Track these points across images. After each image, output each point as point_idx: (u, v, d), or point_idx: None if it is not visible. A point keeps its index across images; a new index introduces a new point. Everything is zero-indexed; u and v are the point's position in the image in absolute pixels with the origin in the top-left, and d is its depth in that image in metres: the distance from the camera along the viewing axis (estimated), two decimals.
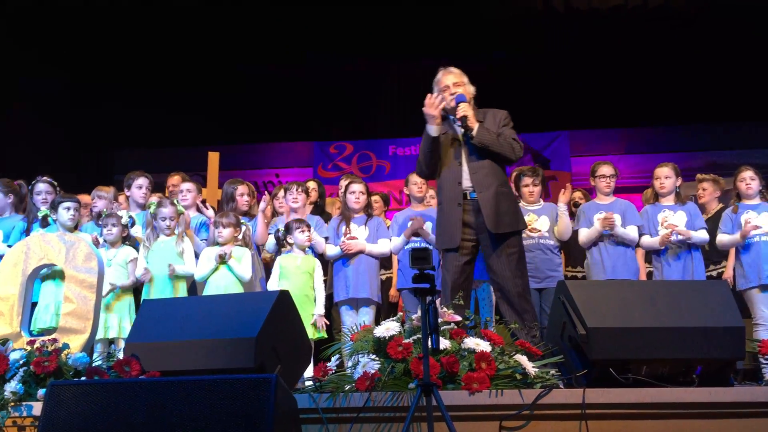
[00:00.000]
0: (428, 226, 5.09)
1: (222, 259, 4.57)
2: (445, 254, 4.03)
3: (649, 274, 5.29)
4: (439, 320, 2.90)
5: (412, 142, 9.85)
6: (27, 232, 4.74)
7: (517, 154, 4.03)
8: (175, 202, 4.89)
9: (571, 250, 5.37)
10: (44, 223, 4.66)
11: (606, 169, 5.16)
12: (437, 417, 2.62)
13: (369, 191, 5.29)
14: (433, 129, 3.96)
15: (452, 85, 4.04)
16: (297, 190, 5.19)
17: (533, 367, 2.97)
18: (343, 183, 5.46)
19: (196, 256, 4.79)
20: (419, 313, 3.24)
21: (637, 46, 8.42)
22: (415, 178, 5.36)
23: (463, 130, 3.97)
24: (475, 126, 3.92)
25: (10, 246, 4.37)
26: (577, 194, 5.93)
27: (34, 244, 3.69)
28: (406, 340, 3.04)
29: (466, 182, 3.96)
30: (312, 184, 5.91)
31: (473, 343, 3.01)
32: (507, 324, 3.49)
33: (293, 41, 8.80)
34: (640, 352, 2.99)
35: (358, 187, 5.12)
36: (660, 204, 5.08)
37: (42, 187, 5.00)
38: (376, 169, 9.85)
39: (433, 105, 3.92)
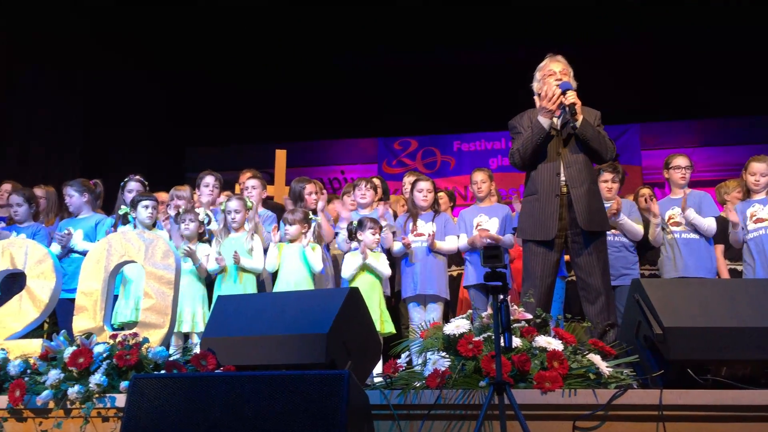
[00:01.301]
0: (494, 222, 5.05)
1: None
2: (534, 248, 3.92)
3: (733, 272, 5.10)
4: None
5: (477, 138, 9.80)
6: (114, 227, 4.93)
7: (611, 154, 3.94)
8: (246, 198, 5.00)
9: (644, 248, 5.24)
10: (124, 220, 4.84)
11: (681, 160, 5.01)
12: (509, 416, 2.60)
13: (436, 188, 5.28)
14: (546, 122, 3.88)
15: (559, 72, 3.97)
16: (365, 186, 5.23)
17: (607, 366, 2.92)
18: (409, 180, 5.46)
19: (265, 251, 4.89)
20: (489, 310, 3.24)
21: (712, 35, 8.13)
22: (476, 177, 5.31)
23: (563, 120, 3.90)
24: (581, 117, 3.84)
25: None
26: (646, 191, 5.76)
27: (116, 241, 3.84)
28: (477, 338, 3.03)
29: (563, 175, 3.88)
30: (376, 181, 5.94)
31: (545, 341, 2.98)
32: (593, 323, 3.44)
33: (359, 38, 8.85)
34: (720, 353, 2.89)
35: (425, 185, 5.12)
36: (751, 199, 4.88)
37: (133, 185, 5.21)
38: (441, 164, 9.84)
39: (552, 99, 3.85)
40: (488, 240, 4.92)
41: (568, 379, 2.84)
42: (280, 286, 4.65)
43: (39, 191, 5.61)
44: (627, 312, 3.31)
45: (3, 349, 3.51)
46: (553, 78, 3.96)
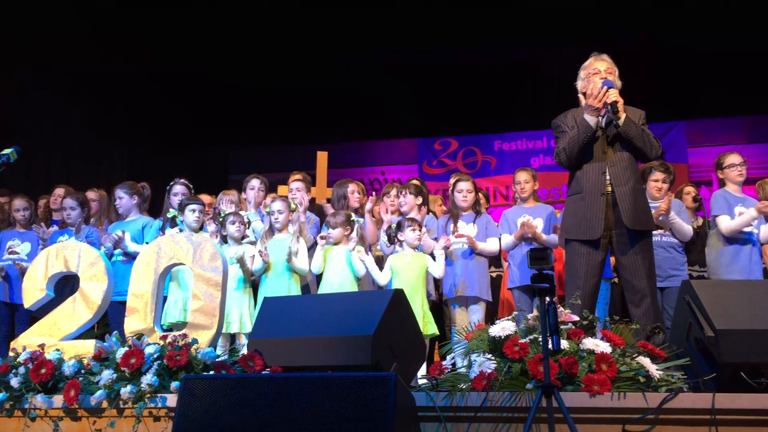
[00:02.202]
0: (539, 222, 5.01)
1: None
2: (578, 248, 3.88)
3: None
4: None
5: (518, 137, 9.73)
6: (162, 230, 5.03)
7: (656, 152, 3.88)
8: (291, 200, 5.04)
9: (692, 249, 5.14)
10: (173, 223, 4.94)
11: (735, 158, 4.94)
12: (558, 419, 2.59)
13: (477, 189, 5.26)
14: (593, 120, 3.86)
15: (604, 71, 3.94)
16: (403, 192, 5.24)
17: (657, 369, 2.87)
18: (452, 181, 5.45)
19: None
20: (534, 312, 3.22)
21: (760, 32, 7.94)
22: (520, 177, 5.28)
23: (607, 118, 3.87)
24: (623, 115, 3.82)
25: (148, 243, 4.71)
26: (690, 188, 5.65)
27: (165, 244, 3.92)
28: (522, 340, 3.02)
29: (608, 173, 3.84)
30: (415, 183, 5.93)
31: (592, 344, 2.95)
32: (643, 324, 3.39)
33: (401, 37, 8.87)
34: None
35: (465, 185, 5.11)
36: None
37: (179, 188, 5.30)
38: (482, 164, 9.79)
39: (597, 97, 3.82)
40: (530, 234, 4.90)
41: (617, 382, 2.81)
42: (324, 288, 4.69)
43: (91, 194, 5.75)
44: (677, 314, 3.25)
45: (58, 350, 3.61)
46: (597, 77, 3.94)
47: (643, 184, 4.04)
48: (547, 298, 2.61)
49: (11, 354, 3.71)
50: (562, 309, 3.14)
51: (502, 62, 9.24)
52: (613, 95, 3.80)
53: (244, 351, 3.46)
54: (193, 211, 4.84)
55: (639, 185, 3.91)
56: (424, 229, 4.93)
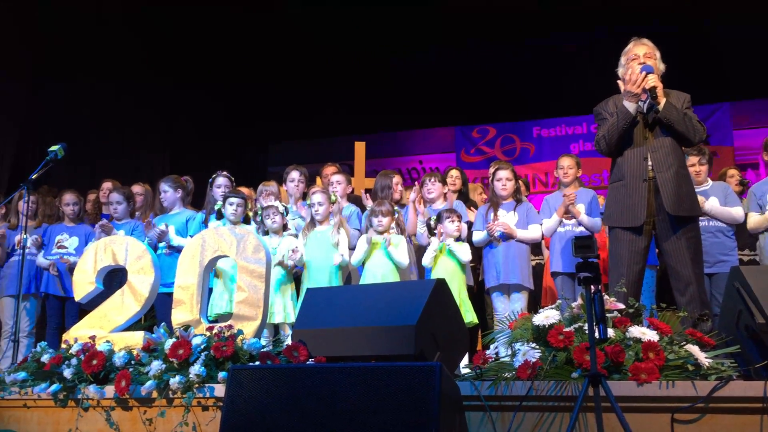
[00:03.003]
0: (581, 208, 4.95)
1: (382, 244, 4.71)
2: (621, 235, 3.84)
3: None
4: None
5: (557, 123, 9.61)
6: (206, 223, 5.10)
7: (700, 136, 3.82)
8: (332, 192, 5.07)
9: (741, 233, 5.03)
10: (219, 215, 5.00)
11: None
12: (605, 408, 2.57)
13: (517, 176, 5.22)
14: (632, 107, 3.82)
15: (643, 55, 3.89)
16: (432, 180, 5.23)
17: (706, 357, 2.83)
18: (491, 169, 5.41)
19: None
20: (579, 300, 3.19)
21: None
22: (563, 162, 5.23)
23: (648, 104, 3.82)
24: (663, 100, 3.76)
25: (191, 236, 4.79)
26: (734, 171, 5.51)
27: (209, 237, 3.98)
28: (567, 329, 2.99)
29: (650, 159, 3.79)
30: (454, 172, 5.92)
31: (639, 332, 2.92)
32: (690, 312, 3.34)
33: (432, 28, 8.82)
34: None
35: (504, 173, 5.08)
36: None
37: (221, 180, 5.37)
38: (521, 151, 9.70)
39: (636, 83, 3.78)
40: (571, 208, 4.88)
41: (665, 370, 2.77)
42: (366, 278, 4.70)
43: (137, 188, 5.85)
44: (726, 301, 3.19)
45: (108, 342, 3.71)
46: (636, 62, 3.89)
47: (687, 170, 3.95)
48: (593, 287, 2.58)
49: (63, 346, 3.83)
50: (607, 297, 3.11)
51: (539, 48, 9.11)
52: (652, 80, 3.75)
53: (288, 341, 3.50)
54: (232, 204, 4.89)
55: (683, 170, 3.84)
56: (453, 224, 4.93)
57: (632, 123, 3.83)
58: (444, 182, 5.45)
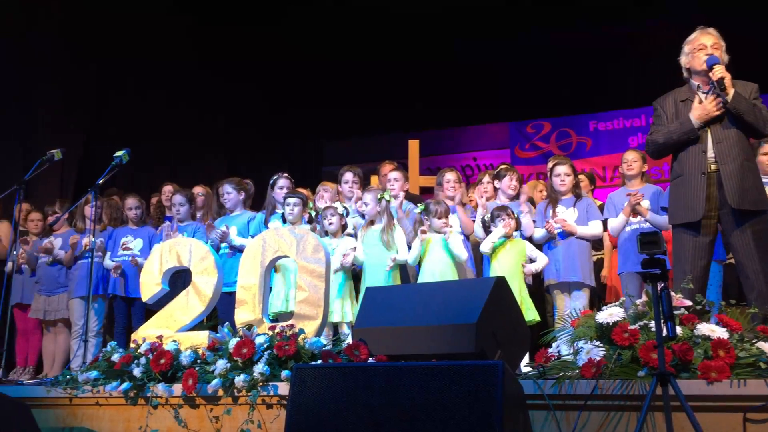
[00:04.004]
0: (646, 204, 4.85)
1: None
2: (683, 231, 3.75)
3: None
4: None
5: (614, 116, 9.42)
6: (266, 223, 5.18)
7: None
8: (386, 191, 5.06)
9: None
10: (284, 217, 5.07)
11: None
12: (673, 407, 2.52)
13: (576, 171, 5.15)
14: (698, 123, 3.71)
15: (710, 46, 3.78)
16: (516, 177, 5.21)
17: None
18: (550, 165, 5.34)
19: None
20: (644, 297, 3.13)
21: None
22: (627, 156, 5.13)
23: (713, 95, 3.71)
24: (731, 91, 3.65)
25: (252, 236, 4.88)
26: None
27: (270, 237, 4.05)
28: (632, 326, 2.94)
29: (710, 152, 3.70)
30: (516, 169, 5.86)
31: (707, 329, 2.85)
32: (759, 308, 3.24)
33: (487, 24, 8.75)
34: None
35: (562, 169, 5.01)
36: None
37: (282, 182, 5.44)
38: (577, 146, 9.54)
39: (710, 113, 3.68)
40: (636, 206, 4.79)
41: (736, 368, 2.70)
42: (424, 277, 4.70)
43: (198, 190, 5.99)
44: None
45: (174, 341, 3.80)
46: (702, 52, 3.77)
47: (754, 163, 3.82)
48: (660, 283, 2.53)
49: (132, 345, 3.95)
50: (673, 294, 3.04)
51: (595, 40, 8.94)
52: (719, 71, 3.64)
53: (349, 340, 3.53)
54: (289, 204, 4.95)
55: (749, 163, 3.72)
56: (526, 216, 4.87)
57: (694, 139, 3.73)
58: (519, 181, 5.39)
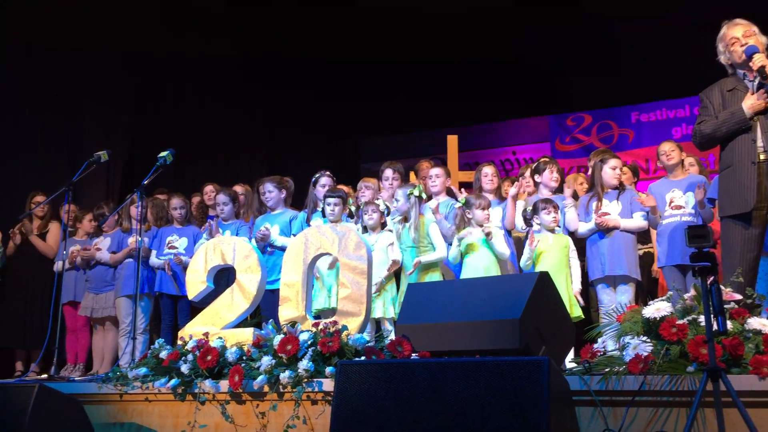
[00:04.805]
0: (689, 195, 4.76)
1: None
2: (732, 223, 3.66)
3: None
4: None
5: (657, 107, 9.24)
6: (308, 221, 5.22)
7: None
8: (417, 187, 5.03)
9: None
10: (324, 213, 5.10)
11: None
12: (724, 403, 2.47)
13: (623, 164, 5.08)
14: (750, 113, 3.62)
15: (742, 36, 3.69)
16: (556, 169, 5.15)
17: None
18: (596, 158, 5.26)
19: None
20: (692, 291, 3.07)
21: None
22: (663, 147, 5.04)
23: (758, 83, 3.62)
24: None
25: (294, 235, 4.93)
26: None
27: (312, 235, 4.09)
28: (680, 321, 2.89)
29: (760, 141, 3.60)
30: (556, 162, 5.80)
31: (759, 323, 2.79)
32: None
33: (522, 18, 8.67)
34: None
35: (617, 162, 4.96)
36: None
37: (324, 180, 5.47)
38: (618, 138, 9.38)
39: (764, 98, 3.58)
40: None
41: None
42: (467, 272, 4.68)
43: (239, 189, 6.07)
44: None
45: (220, 338, 3.87)
46: (737, 45, 3.68)
47: None
48: (710, 278, 2.48)
49: (179, 342, 4.02)
50: (722, 287, 2.98)
51: (635, 31, 8.77)
52: (759, 60, 3.54)
53: (392, 336, 3.55)
54: (329, 204, 4.97)
55: None
56: (570, 209, 4.83)
57: (746, 128, 3.64)
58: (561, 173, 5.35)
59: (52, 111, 7.53)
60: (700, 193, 4.65)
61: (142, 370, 3.88)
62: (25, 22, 7.37)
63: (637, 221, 4.84)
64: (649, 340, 2.93)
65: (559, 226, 4.87)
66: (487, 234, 4.66)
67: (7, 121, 7.16)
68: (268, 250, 5.21)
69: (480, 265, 4.63)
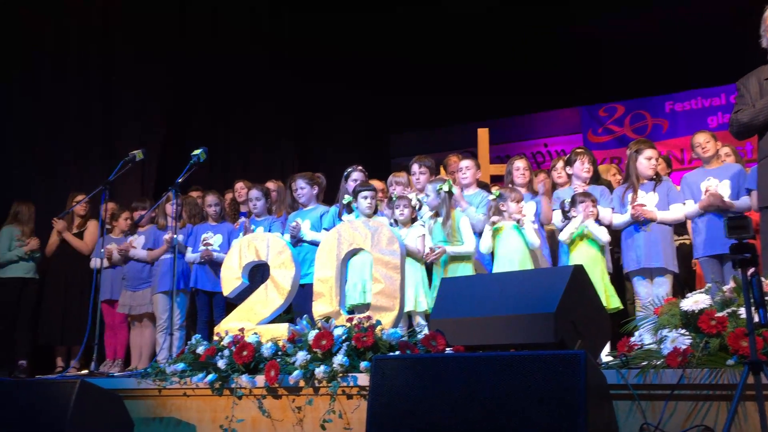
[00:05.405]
0: (725, 185, 4.67)
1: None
2: None
3: None
4: None
5: (692, 96, 9.08)
6: (340, 216, 5.25)
7: None
8: (447, 182, 5.00)
9: None
10: (348, 209, 5.12)
11: None
12: (766, 396, 2.43)
13: (659, 155, 5.00)
14: None
15: None
16: (589, 160, 5.09)
17: None
18: (633, 148, 5.17)
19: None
20: (731, 283, 3.02)
21: None
22: (698, 139, 4.95)
23: None
24: None
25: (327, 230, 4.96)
26: None
27: (344, 230, 4.11)
28: (719, 314, 2.85)
29: None
30: (590, 152, 5.73)
31: None
32: None
33: (552, 10, 8.58)
34: None
35: (653, 152, 4.87)
36: None
37: (357, 175, 5.48)
38: (652, 128, 9.23)
39: None
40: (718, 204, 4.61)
41: None
42: (499, 265, 4.66)
43: (270, 185, 6.12)
44: None
45: (256, 333, 3.91)
46: None
47: None
48: (750, 269, 2.44)
49: (216, 338, 4.07)
50: (763, 279, 2.92)
51: (668, 18, 8.61)
52: None
53: (426, 331, 3.55)
54: (365, 198, 4.98)
55: None
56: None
57: None
58: (594, 163, 5.28)
59: (88, 113, 7.67)
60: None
61: (180, 366, 3.93)
62: (55, 29, 7.50)
63: (674, 212, 4.76)
64: (687, 332, 2.90)
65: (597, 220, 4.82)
66: (518, 221, 4.64)
67: (50, 128, 7.33)
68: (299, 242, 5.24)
69: (515, 258, 4.60)
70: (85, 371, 5.34)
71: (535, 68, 9.12)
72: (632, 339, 3.16)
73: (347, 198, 5.12)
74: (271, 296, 4.13)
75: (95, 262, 6.03)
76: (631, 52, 8.70)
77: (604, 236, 4.66)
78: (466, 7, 8.70)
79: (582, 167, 5.15)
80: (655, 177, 4.87)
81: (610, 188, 5.19)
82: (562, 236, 4.72)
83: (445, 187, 4.86)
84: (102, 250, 5.44)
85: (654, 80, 8.99)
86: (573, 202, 4.73)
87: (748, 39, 3.85)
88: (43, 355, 6.57)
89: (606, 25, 8.79)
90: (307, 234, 5.22)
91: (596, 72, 9.00)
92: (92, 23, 7.76)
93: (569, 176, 5.28)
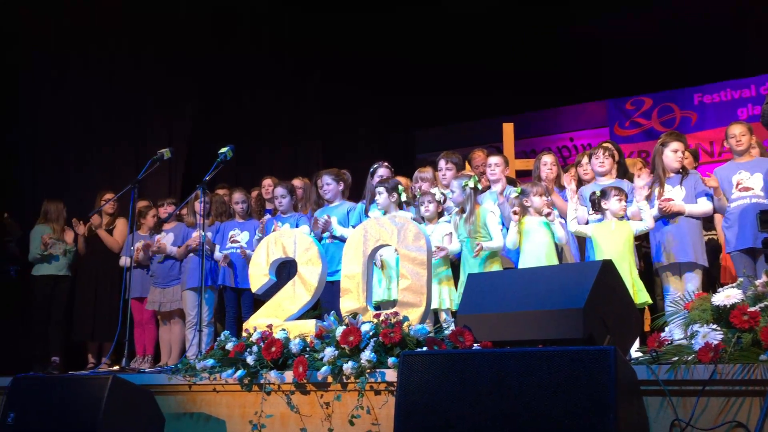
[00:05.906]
0: (757, 178, 4.59)
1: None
2: None
3: None
4: None
5: (721, 87, 8.92)
6: (366, 212, 5.26)
7: None
8: (472, 178, 4.97)
9: None
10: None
11: None
12: None
13: (687, 148, 4.93)
14: None
15: None
16: (604, 154, 5.04)
17: None
18: (661, 141, 5.11)
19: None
20: (763, 277, 2.98)
21: None
22: (733, 130, 4.87)
23: None
24: None
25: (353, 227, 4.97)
26: None
27: (371, 227, 4.12)
28: (752, 308, 2.81)
29: None
30: (608, 146, 5.66)
31: None
32: None
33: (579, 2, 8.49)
34: None
35: (679, 145, 4.79)
36: None
37: (382, 171, 5.47)
38: (681, 121, 9.08)
39: None
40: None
41: None
42: (525, 260, 4.63)
43: (297, 182, 6.15)
44: None
45: (283, 330, 3.94)
46: None
47: None
48: None
49: (244, 334, 4.11)
50: None
51: (697, 8, 8.47)
52: None
53: (452, 327, 3.54)
54: (380, 193, 4.98)
55: None
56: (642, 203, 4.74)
57: None
58: (613, 156, 5.22)
59: (117, 113, 7.77)
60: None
61: (210, 362, 3.98)
62: (82, 31, 7.61)
63: (703, 206, 4.69)
64: (719, 328, 2.87)
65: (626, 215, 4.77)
66: (547, 215, 4.61)
67: (78, 127, 7.44)
68: (325, 240, 5.26)
69: (542, 253, 4.57)
70: (116, 367, 5.43)
71: (560, 62, 9.03)
72: (662, 334, 3.13)
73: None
74: (298, 292, 4.16)
75: (125, 260, 6.11)
76: (659, 44, 8.58)
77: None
78: (490, 3, 8.64)
79: (596, 162, 5.10)
80: (681, 170, 4.80)
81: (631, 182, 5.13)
82: (571, 227, 4.69)
83: (471, 183, 4.83)
84: (132, 248, 5.51)
85: (682, 72, 8.84)
86: (604, 195, 4.66)
87: None
88: (75, 351, 6.68)
89: (633, 17, 8.68)
90: (337, 229, 5.24)
91: (623, 64, 8.88)
92: (124, 28, 7.85)
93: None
